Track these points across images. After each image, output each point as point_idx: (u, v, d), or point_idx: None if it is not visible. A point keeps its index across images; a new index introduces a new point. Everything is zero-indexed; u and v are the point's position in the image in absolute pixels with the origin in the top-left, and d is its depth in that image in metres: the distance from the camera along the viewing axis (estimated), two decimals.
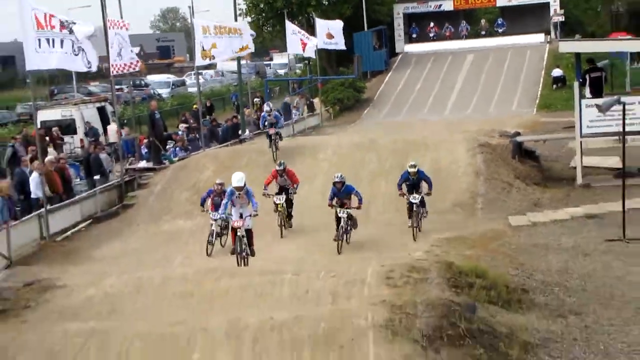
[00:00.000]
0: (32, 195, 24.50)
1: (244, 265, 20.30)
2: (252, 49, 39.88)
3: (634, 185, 22.85)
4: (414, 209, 21.67)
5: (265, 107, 27.29)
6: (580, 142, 26.95)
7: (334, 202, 21.62)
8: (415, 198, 21.43)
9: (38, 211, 23.83)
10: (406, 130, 36.41)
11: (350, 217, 21.81)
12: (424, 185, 22.85)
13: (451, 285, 16.22)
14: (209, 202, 22.39)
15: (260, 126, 27.24)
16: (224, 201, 21.12)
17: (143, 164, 31.34)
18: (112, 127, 33.36)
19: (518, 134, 31.47)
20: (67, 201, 25.76)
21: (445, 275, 16.65)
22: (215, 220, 21.25)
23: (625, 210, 20.88)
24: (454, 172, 26.46)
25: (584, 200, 24.61)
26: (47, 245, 23.60)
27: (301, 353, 13.85)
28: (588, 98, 26.66)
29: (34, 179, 24.51)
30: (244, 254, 20.37)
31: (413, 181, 21.88)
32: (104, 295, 17.55)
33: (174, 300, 16.71)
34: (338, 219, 21.55)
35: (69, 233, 24.94)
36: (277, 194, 23.04)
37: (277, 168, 22.94)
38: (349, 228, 21.71)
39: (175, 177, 28.97)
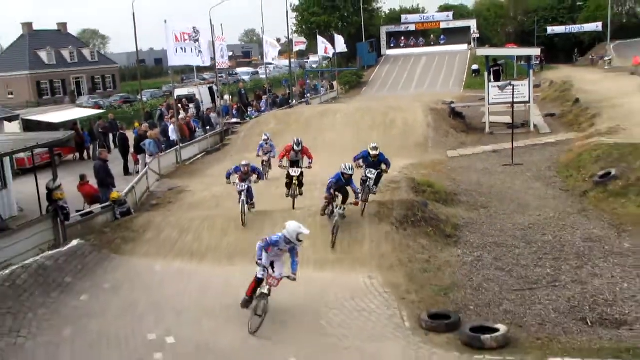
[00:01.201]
0: (172, 138, 27.73)
1: None
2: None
3: (517, 133, 25.76)
4: (367, 183, 16.72)
5: (264, 136, 23.64)
6: (488, 108, 30.02)
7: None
8: (372, 173, 16.56)
9: (174, 147, 27.07)
10: (388, 100, 38.19)
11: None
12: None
13: (413, 191, 18.71)
14: (236, 176, 17.71)
15: (257, 152, 23.03)
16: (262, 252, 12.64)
17: (234, 120, 35.50)
18: (220, 101, 37.04)
19: (452, 102, 34.13)
20: (191, 142, 29.13)
21: (410, 185, 19.14)
22: (242, 191, 16.89)
23: (513, 147, 23.79)
24: (415, 125, 28.59)
25: (490, 142, 27.11)
26: (180, 167, 26.70)
27: (325, 228, 15.88)
28: (492, 82, 29.95)
29: (172, 129, 28.04)
30: None
31: (372, 162, 16.83)
32: (212, 196, 20.33)
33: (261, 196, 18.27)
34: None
35: (192, 160, 28.03)
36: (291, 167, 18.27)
37: (296, 147, 18.17)
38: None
39: (252, 127, 31.76)
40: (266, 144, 23.41)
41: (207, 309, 12.90)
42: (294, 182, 18.28)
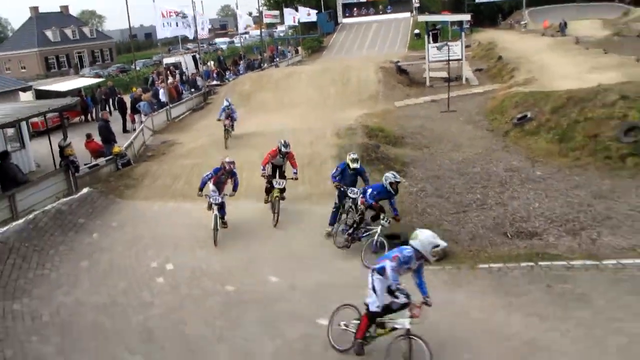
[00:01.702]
0: (162, 100, 27.09)
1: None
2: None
3: (452, 85, 25.64)
4: (351, 208, 12.64)
5: (225, 102, 20.78)
6: (428, 65, 29.53)
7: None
8: (354, 192, 12.52)
9: (165, 107, 26.55)
10: (345, 61, 37.19)
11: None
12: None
13: (367, 135, 18.61)
14: (210, 184, 13.22)
15: (217, 116, 20.51)
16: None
17: (215, 82, 34.53)
18: (202, 67, 36.46)
19: (398, 61, 33.40)
20: (179, 102, 28.55)
21: (364, 131, 19.01)
22: (216, 204, 12.90)
23: (449, 97, 23.82)
24: (367, 81, 28.04)
25: (430, 93, 26.71)
26: (170, 124, 26.15)
27: (303, 168, 15.49)
28: (431, 43, 29.44)
29: (162, 92, 27.44)
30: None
31: (350, 175, 12.88)
32: (200, 146, 20.03)
33: (240, 147, 18.71)
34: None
35: (180, 117, 27.46)
36: (271, 175, 14.14)
37: (283, 149, 13.93)
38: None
39: (230, 88, 30.76)
40: (227, 108, 20.48)
41: (199, 240, 13.01)
42: (275, 194, 14.01)
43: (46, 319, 9.84)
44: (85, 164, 18.03)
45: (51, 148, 17.27)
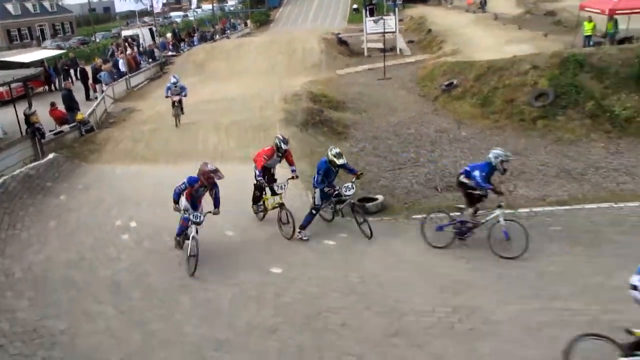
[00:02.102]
0: (122, 70, 25.86)
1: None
2: None
3: (387, 55, 25.40)
4: (354, 207, 10.26)
5: (172, 79, 17.65)
6: (366, 37, 29.38)
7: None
8: (348, 189, 10.04)
9: (124, 77, 25.43)
10: (290, 33, 36.42)
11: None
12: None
13: (312, 101, 18.48)
14: (183, 198, 9.63)
15: (165, 94, 17.56)
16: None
17: (171, 53, 32.83)
18: (158, 39, 34.71)
19: (339, 33, 33.31)
20: (137, 72, 27.32)
21: (309, 97, 18.89)
22: (197, 223, 9.41)
23: (385, 66, 23.73)
24: (311, 51, 27.76)
25: (368, 62, 26.62)
26: (130, 92, 25.12)
27: (247, 133, 15.81)
28: (368, 17, 29.21)
29: (121, 62, 26.19)
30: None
31: (335, 173, 10.33)
32: (157, 113, 19.42)
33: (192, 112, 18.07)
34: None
35: (139, 86, 26.36)
36: (266, 179, 10.74)
37: (283, 146, 10.57)
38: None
39: (185, 58, 30.03)
40: (175, 86, 17.48)
41: (160, 199, 12.52)
42: (275, 203, 10.66)
43: (19, 275, 9.49)
44: (50, 131, 17.21)
45: (17, 116, 16.53)
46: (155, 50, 31.94)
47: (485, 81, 18.03)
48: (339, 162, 10.06)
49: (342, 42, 31.26)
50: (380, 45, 27.80)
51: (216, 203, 9.72)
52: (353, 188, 10.08)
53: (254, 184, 10.95)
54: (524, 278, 8.44)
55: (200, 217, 9.52)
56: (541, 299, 7.85)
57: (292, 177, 10.96)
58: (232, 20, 52.99)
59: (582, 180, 12.34)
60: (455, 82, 19.18)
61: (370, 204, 11.48)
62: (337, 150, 10.25)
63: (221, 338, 7.66)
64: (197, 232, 9.43)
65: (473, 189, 9.34)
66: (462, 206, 9.42)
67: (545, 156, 13.77)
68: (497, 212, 9.25)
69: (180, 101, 17.45)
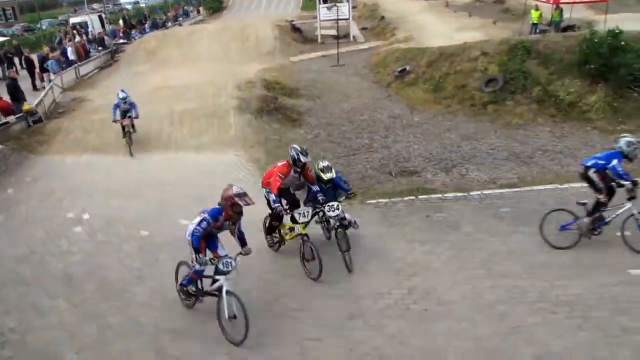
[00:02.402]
0: (70, 58, 24.81)
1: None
2: None
3: (341, 42, 25.15)
4: (338, 228, 8.56)
5: (120, 94, 14.59)
6: (319, 24, 28.95)
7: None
8: (332, 209, 8.38)
9: (73, 65, 24.44)
10: (244, 20, 34.78)
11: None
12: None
13: (266, 88, 18.39)
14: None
15: (112, 115, 14.67)
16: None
17: (122, 41, 31.69)
18: (108, 26, 33.19)
19: (292, 20, 32.80)
20: (87, 60, 26.27)
21: (263, 84, 18.78)
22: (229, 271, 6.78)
23: (338, 52, 23.56)
24: (265, 38, 27.38)
25: (321, 49, 26.53)
26: (80, 81, 24.06)
27: (201, 121, 15.66)
28: (321, 4, 28.44)
29: (70, 50, 25.11)
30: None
31: (325, 190, 8.76)
32: (108, 102, 17.66)
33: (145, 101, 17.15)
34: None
35: (89, 75, 25.35)
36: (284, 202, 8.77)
37: (302, 158, 8.44)
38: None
39: (137, 46, 28.92)
40: (124, 102, 14.50)
41: (113, 190, 12.39)
42: (295, 232, 8.70)
43: None
44: None
45: None
46: (105, 38, 30.91)
47: (437, 67, 18.23)
48: (326, 176, 8.69)
49: (295, 29, 31.00)
50: (333, 32, 27.71)
51: (242, 238, 7.46)
52: (338, 209, 8.37)
53: (269, 213, 8.83)
54: (476, 259, 8.64)
55: (231, 263, 7.11)
56: (492, 277, 8.09)
57: (321, 202, 8.50)
58: (184, 7, 51.79)
59: (530, 163, 12.72)
60: (407, 68, 19.33)
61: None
62: (326, 163, 8.85)
63: (179, 328, 7.60)
64: (228, 283, 7.12)
65: (611, 180, 8.43)
66: (585, 201, 8.67)
67: (496, 140, 14.11)
68: (628, 205, 8.41)
69: (132, 125, 14.79)
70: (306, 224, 8.50)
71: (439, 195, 10.89)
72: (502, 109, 15.86)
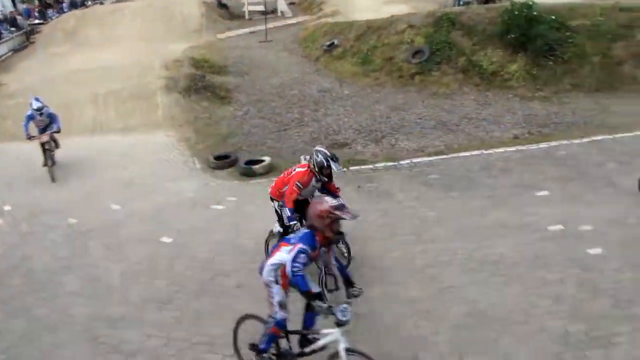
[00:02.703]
0: None
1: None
2: None
3: (269, 17, 24.97)
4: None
5: (33, 103, 11.79)
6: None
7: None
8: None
9: None
10: None
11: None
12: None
13: (194, 66, 18.00)
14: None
15: (24, 132, 11.74)
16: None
17: (37, 21, 29.68)
18: (21, 5, 31.19)
19: None
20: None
21: (191, 62, 18.34)
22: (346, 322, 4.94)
23: (267, 28, 23.48)
24: (191, 16, 26.52)
25: (249, 25, 26.09)
26: None
27: (127, 102, 15.35)
28: None
29: None
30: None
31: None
32: (24, 86, 17.72)
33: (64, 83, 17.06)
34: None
35: (2, 58, 24.05)
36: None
37: (334, 166, 6.79)
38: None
39: (54, 26, 27.40)
40: (39, 114, 11.70)
41: (35, 179, 11.82)
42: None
43: None
44: None
45: None
46: (19, 17, 28.97)
47: (365, 40, 18.31)
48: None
49: (222, 5, 30.15)
50: (261, 7, 27.32)
51: (345, 272, 5.66)
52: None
53: (277, 231, 7.46)
54: (407, 225, 8.84)
55: (348, 311, 5.16)
56: (422, 243, 8.31)
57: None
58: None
59: (456, 130, 13.08)
60: (336, 42, 19.31)
61: (257, 165, 11.51)
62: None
63: (114, 315, 7.38)
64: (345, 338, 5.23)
65: None
66: None
67: (423, 110, 14.41)
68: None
69: (53, 140, 12.06)
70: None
71: (370, 166, 11.04)
72: (428, 79, 16.15)
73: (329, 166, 6.81)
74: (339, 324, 5.13)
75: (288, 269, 5.15)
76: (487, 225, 8.65)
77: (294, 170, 7.16)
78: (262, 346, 5.67)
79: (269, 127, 14.06)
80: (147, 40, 23.81)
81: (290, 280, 5.20)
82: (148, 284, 7.94)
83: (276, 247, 5.51)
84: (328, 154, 6.90)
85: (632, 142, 11.43)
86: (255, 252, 8.40)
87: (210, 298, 7.52)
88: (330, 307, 5.19)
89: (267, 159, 11.82)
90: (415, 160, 11.30)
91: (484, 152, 11.44)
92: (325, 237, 5.22)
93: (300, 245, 5.13)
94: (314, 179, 6.96)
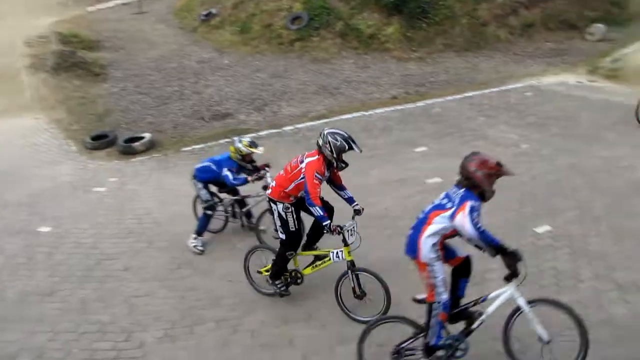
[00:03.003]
0: None
1: None
2: None
3: None
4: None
5: None
6: None
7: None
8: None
9: None
10: None
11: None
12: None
13: (62, 42, 16.68)
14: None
15: None
16: None
17: None
18: None
19: None
20: None
21: (58, 38, 16.95)
22: None
23: (141, 0, 22.02)
24: None
25: None
26: None
27: None
28: None
29: None
30: None
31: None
32: None
33: None
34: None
35: None
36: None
37: (356, 148, 5.63)
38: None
39: None
40: None
41: None
42: (322, 263, 6.23)
43: None
44: None
45: None
46: None
47: (243, 8, 18.01)
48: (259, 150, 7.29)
49: None
50: None
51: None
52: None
53: (282, 239, 6.24)
54: None
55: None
56: None
57: (358, 212, 6.09)
58: None
59: (337, 94, 13.38)
60: (213, 11, 18.82)
61: (137, 143, 11.13)
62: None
63: None
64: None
65: None
66: None
67: (304, 75, 14.54)
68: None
69: None
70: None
71: (254, 134, 10.98)
72: (308, 45, 16.29)
73: (351, 149, 5.70)
74: (510, 277, 4.59)
75: (468, 228, 4.48)
76: (371, 183, 8.97)
77: (300, 161, 5.97)
78: (434, 341, 4.86)
79: (148, 102, 13.55)
80: (3, 16, 21.63)
81: (480, 235, 4.49)
82: (27, 277, 7.43)
83: (424, 221, 4.80)
84: (346, 134, 5.80)
85: (497, 97, 12.32)
86: (142, 231, 8.21)
87: (95, 284, 7.20)
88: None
89: (147, 135, 11.46)
90: (298, 125, 11.42)
91: (365, 113, 11.82)
92: (484, 194, 4.69)
93: (469, 203, 4.56)
94: (327, 166, 5.87)
